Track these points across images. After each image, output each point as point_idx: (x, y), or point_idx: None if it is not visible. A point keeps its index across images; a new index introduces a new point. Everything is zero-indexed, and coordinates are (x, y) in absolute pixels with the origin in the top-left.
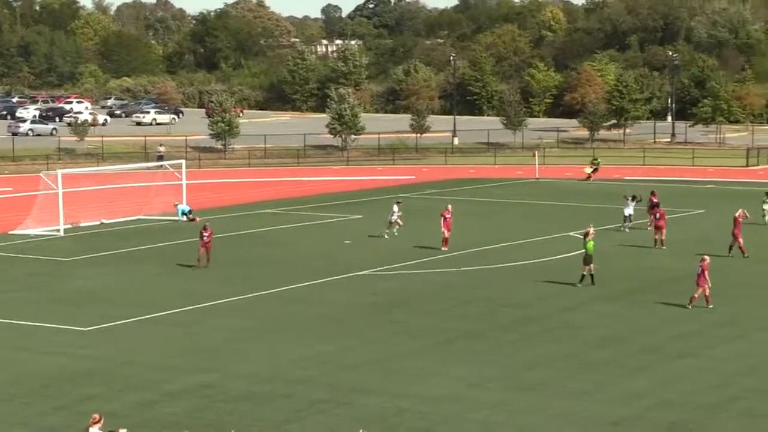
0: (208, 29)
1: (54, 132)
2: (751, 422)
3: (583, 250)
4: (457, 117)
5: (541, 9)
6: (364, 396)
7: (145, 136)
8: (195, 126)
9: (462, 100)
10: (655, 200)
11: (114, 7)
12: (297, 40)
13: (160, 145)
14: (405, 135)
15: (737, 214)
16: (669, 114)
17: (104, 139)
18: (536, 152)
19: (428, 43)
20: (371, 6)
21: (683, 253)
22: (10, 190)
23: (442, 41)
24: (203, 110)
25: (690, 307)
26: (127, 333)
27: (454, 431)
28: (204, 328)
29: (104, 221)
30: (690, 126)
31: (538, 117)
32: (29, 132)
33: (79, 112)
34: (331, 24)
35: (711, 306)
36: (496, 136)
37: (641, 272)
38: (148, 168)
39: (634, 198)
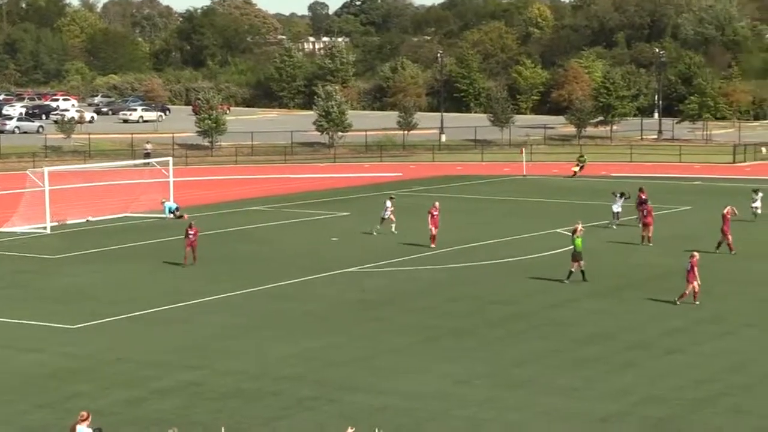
0: (194, 26)
1: (40, 129)
2: (738, 418)
3: (572, 247)
4: (444, 114)
5: (528, 6)
6: (352, 393)
7: (132, 134)
8: (182, 123)
9: (449, 97)
10: (643, 197)
11: (100, 5)
12: (284, 37)
13: (147, 142)
14: (392, 132)
15: (725, 211)
16: (656, 111)
17: (91, 136)
18: (523, 149)
19: (415, 40)
20: (358, 3)
21: (670, 249)
22: None
23: (429, 38)
24: (190, 107)
25: (678, 302)
26: (115, 330)
27: (442, 428)
28: (192, 325)
29: (90, 219)
30: (677, 123)
31: (525, 114)
32: (15, 129)
33: (66, 110)
34: (318, 21)
35: (698, 303)
36: (484, 133)
37: (629, 269)
38: (135, 165)
39: (622, 195)
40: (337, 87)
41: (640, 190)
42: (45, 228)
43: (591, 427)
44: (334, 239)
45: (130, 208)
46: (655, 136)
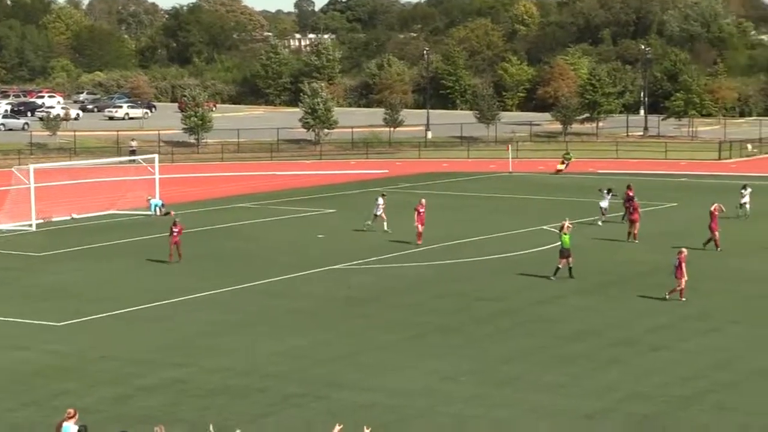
0: (180, 24)
1: (26, 127)
2: (722, 415)
3: (559, 243)
4: (430, 111)
5: (514, 3)
6: (338, 390)
7: (118, 131)
8: (168, 120)
9: (435, 94)
10: (630, 194)
11: (86, 2)
12: (270, 34)
13: (132, 139)
14: (378, 129)
15: (713, 208)
16: (642, 108)
17: (76, 133)
18: (509, 146)
19: (401, 37)
20: (344, 0)
21: (656, 246)
22: None
23: (415, 35)
24: (176, 105)
25: (668, 297)
26: (101, 328)
27: (428, 425)
28: (178, 322)
29: (74, 216)
30: (662, 119)
31: (511, 111)
32: (1, 127)
33: (51, 107)
34: (304, 18)
35: (684, 299)
36: (470, 130)
37: (615, 266)
38: (121, 163)
39: (609, 191)
40: (323, 84)
41: (628, 187)
42: (30, 225)
43: (577, 424)
44: (320, 236)
45: (116, 206)
46: (641, 133)
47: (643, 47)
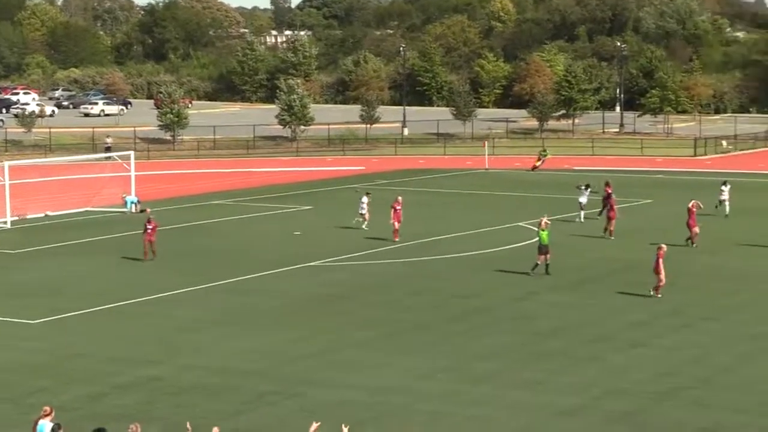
0: (156, 20)
1: (1, 123)
2: (699, 411)
3: (537, 240)
4: (406, 107)
5: (490, 0)
6: (314, 387)
7: (93, 128)
8: (144, 117)
9: (412, 90)
10: (609, 191)
11: None
12: (246, 30)
13: (108, 136)
14: (355, 126)
15: (690, 205)
16: (617, 104)
17: (52, 130)
18: (486, 143)
19: (378, 34)
20: None
21: (632, 243)
22: None
23: (391, 32)
24: (152, 101)
25: (659, 295)
26: (76, 325)
27: (404, 422)
28: (154, 320)
29: (48, 213)
30: (638, 116)
31: (488, 107)
32: None
33: (26, 104)
34: (281, 15)
35: (660, 296)
36: (446, 127)
37: (591, 262)
38: (97, 159)
39: (587, 186)
40: (299, 81)
41: (606, 184)
42: (5, 222)
43: (555, 421)
44: (296, 233)
45: (92, 203)
46: (617, 130)
47: (618, 44)
